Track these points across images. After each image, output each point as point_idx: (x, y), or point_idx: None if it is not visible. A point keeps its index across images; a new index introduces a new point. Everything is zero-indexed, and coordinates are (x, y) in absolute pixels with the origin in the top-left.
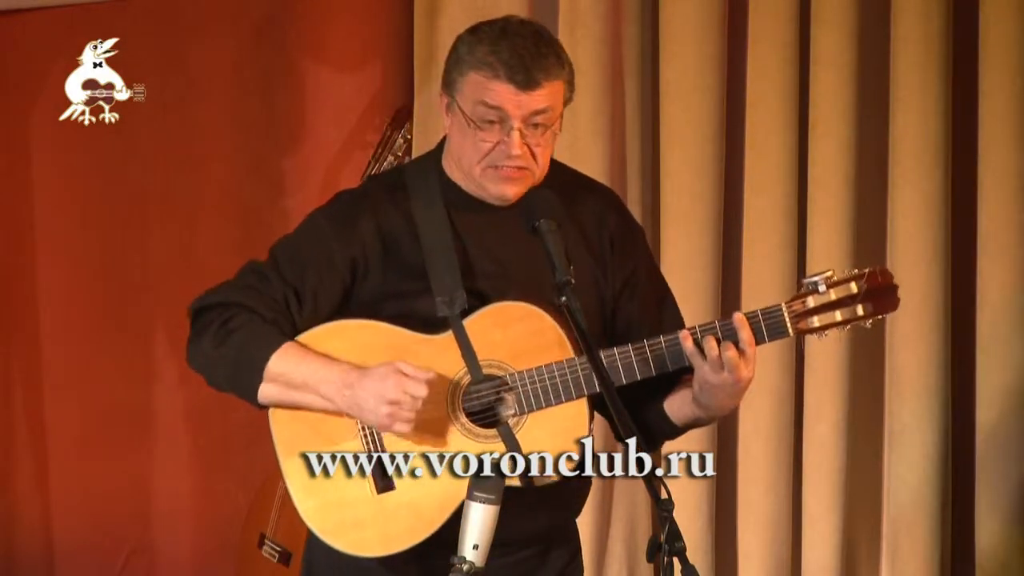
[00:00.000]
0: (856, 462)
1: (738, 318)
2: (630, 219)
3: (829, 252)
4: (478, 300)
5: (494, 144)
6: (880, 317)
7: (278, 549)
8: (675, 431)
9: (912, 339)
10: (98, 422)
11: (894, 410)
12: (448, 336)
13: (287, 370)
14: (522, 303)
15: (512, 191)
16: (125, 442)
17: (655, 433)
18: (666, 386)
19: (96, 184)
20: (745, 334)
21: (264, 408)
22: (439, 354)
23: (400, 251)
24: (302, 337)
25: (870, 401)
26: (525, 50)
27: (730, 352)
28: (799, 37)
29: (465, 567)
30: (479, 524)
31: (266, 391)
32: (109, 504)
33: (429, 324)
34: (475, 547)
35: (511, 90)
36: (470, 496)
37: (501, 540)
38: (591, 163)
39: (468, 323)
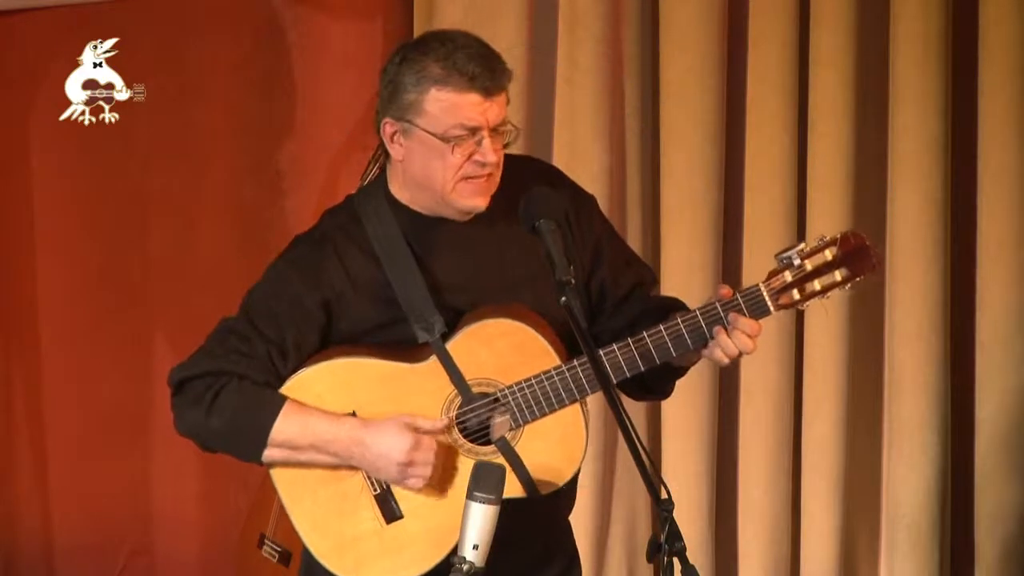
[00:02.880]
0: (855, 461)
1: (737, 320)
2: (578, 189)
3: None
4: (452, 315)
5: (467, 157)
6: (859, 279)
7: (278, 549)
8: (683, 372)
9: (912, 338)
10: (98, 423)
11: (894, 409)
12: (433, 362)
13: (293, 435)
14: (502, 319)
15: (484, 201)
16: (125, 443)
17: (665, 380)
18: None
19: (96, 184)
20: (754, 326)
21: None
22: (427, 381)
23: (368, 284)
24: (288, 384)
25: (870, 400)
26: (481, 57)
27: (747, 344)
28: (799, 37)
29: (465, 567)
30: (479, 524)
31: (271, 455)
32: (109, 505)
33: (412, 351)
34: (475, 547)
35: (479, 100)
36: (470, 496)
37: (497, 543)
38: (591, 163)
39: (451, 346)
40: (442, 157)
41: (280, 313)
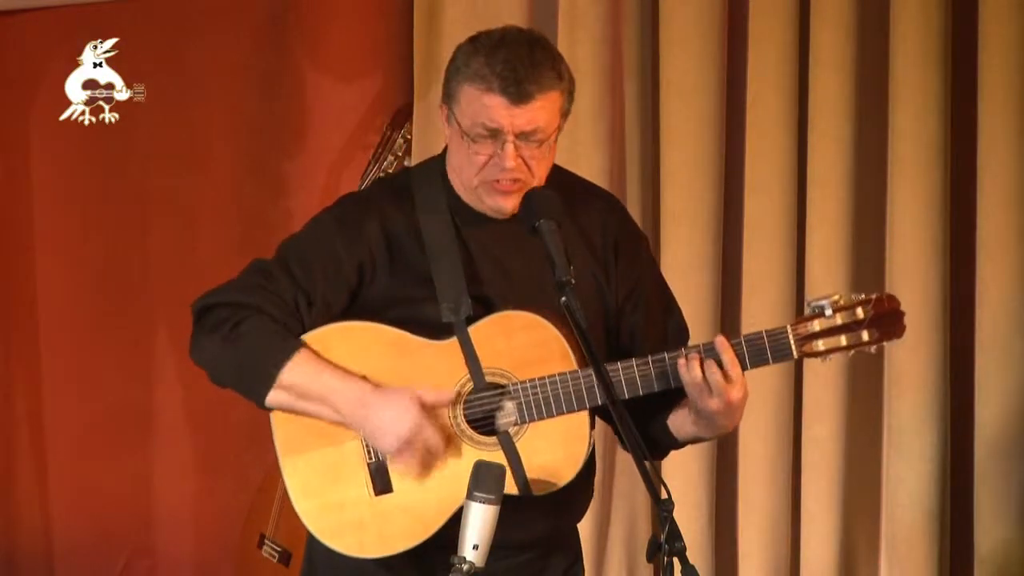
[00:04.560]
0: (855, 462)
1: (720, 343)
2: (634, 226)
3: (828, 252)
4: (482, 307)
5: (488, 157)
6: (885, 344)
7: (278, 549)
8: (677, 445)
9: (912, 339)
10: (98, 423)
11: (893, 409)
12: (452, 342)
13: (301, 381)
14: (528, 313)
15: (508, 204)
16: (125, 443)
17: (659, 446)
18: (669, 400)
19: (96, 184)
20: (727, 356)
21: (268, 409)
22: (442, 360)
23: (405, 256)
24: (307, 337)
25: (869, 400)
26: (519, 62)
27: (716, 376)
28: (799, 37)
29: (465, 567)
30: (479, 524)
31: (276, 398)
32: (109, 505)
33: (433, 329)
34: (475, 547)
35: (503, 103)
36: (470, 496)
37: (501, 543)
38: (591, 164)
39: (473, 330)
40: (467, 151)
41: (314, 264)
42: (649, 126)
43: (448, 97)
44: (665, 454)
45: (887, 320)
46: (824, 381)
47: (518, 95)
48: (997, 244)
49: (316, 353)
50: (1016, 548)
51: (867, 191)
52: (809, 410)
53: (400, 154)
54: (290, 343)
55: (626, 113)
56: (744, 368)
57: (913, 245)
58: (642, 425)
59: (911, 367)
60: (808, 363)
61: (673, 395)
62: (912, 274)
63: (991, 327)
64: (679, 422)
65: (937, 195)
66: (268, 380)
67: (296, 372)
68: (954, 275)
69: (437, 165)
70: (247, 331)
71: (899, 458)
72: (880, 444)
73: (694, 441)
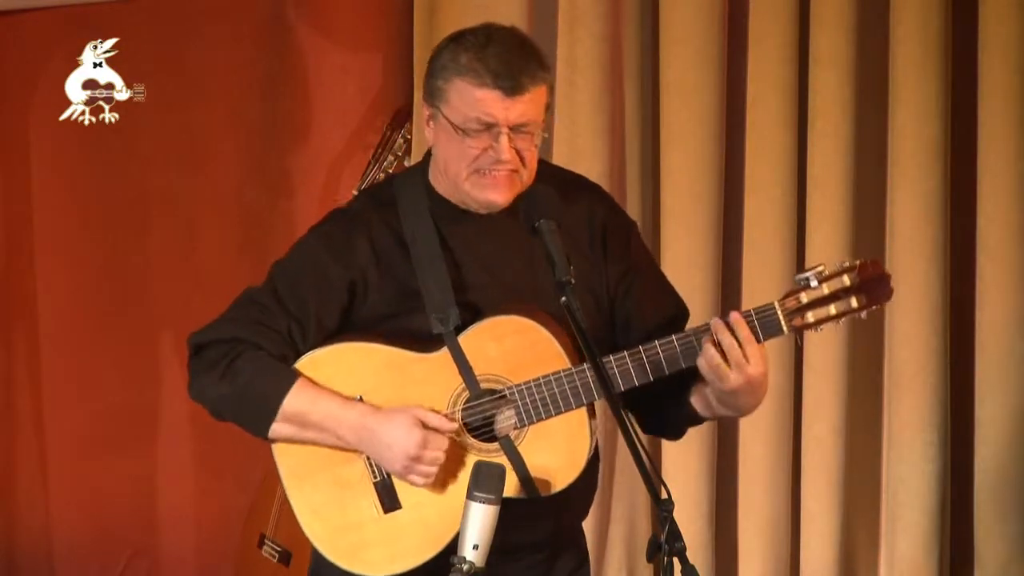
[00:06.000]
0: (855, 461)
1: (735, 318)
2: (621, 214)
3: (828, 251)
4: (471, 313)
5: (482, 150)
6: (875, 308)
7: (278, 549)
8: (701, 420)
9: (911, 338)
10: (98, 424)
11: (893, 409)
12: (444, 353)
13: (302, 411)
14: (516, 316)
15: (500, 197)
16: (126, 444)
17: (677, 426)
18: (684, 382)
19: (96, 184)
20: (743, 332)
21: (269, 440)
22: (436, 372)
23: (394, 270)
24: (300, 363)
25: (869, 400)
26: (511, 56)
27: (735, 351)
28: (799, 37)
29: (465, 567)
30: (479, 524)
31: (279, 430)
32: (110, 506)
33: (424, 342)
34: (475, 547)
35: (498, 96)
36: (470, 496)
37: (508, 547)
38: (591, 163)
39: (463, 339)
40: (458, 146)
41: (305, 288)
42: (649, 126)
43: (433, 95)
44: (681, 434)
45: (874, 284)
46: (824, 380)
47: (512, 88)
48: (997, 244)
49: (312, 381)
50: (1016, 548)
51: (867, 191)
52: (809, 409)
53: (400, 154)
54: (287, 375)
55: (626, 113)
56: None
57: (912, 244)
58: (662, 403)
59: (910, 366)
60: (808, 361)
61: (688, 376)
62: (912, 274)
63: (991, 327)
64: (703, 403)
65: (937, 195)
66: (270, 414)
67: (296, 403)
68: (954, 275)
69: (418, 172)
70: (244, 367)
71: (899, 458)
72: (880, 444)
73: (721, 418)
